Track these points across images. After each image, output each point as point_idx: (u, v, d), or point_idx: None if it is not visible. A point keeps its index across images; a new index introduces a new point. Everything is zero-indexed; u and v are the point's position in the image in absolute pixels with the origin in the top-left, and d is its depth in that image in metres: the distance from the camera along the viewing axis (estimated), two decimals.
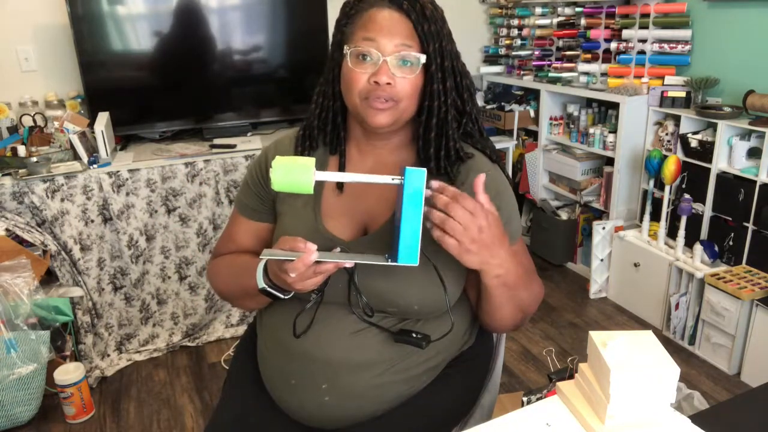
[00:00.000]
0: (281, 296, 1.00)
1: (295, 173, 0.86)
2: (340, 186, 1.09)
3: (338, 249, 1.00)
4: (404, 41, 0.98)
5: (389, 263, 0.89)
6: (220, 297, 1.23)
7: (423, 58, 0.99)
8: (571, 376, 1.43)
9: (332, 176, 0.92)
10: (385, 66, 0.97)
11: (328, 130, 1.10)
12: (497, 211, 0.94)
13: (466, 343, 1.18)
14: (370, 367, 1.04)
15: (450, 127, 1.04)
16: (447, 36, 1.03)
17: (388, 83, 0.97)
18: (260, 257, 0.92)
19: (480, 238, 0.89)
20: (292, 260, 0.88)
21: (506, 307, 1.03)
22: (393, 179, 0.88)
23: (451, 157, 1.05)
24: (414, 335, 1.03)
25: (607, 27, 2.96)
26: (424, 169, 0.86)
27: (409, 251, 0.87)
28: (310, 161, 0.87)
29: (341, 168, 1.10)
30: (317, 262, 0.89)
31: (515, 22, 3.42)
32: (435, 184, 0.91)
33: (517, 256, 1.01)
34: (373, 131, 1.05)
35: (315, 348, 1.05)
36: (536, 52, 3.32)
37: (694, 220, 2.52)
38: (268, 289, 0.98)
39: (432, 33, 0.99)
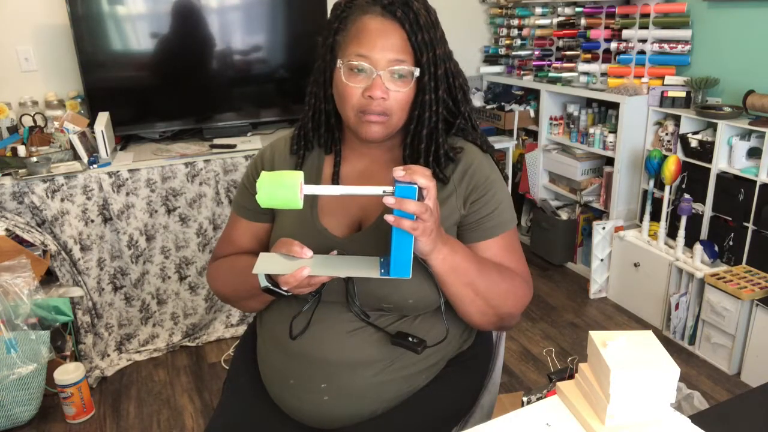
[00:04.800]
0: (284, 293, 1.00)
1: (280, 190, 0.85)
2: (336, 182, 1.10)
3: (335, 252, 1.00)
4: (398, 56, 0.98)
5: (382, 276, 0.90)
6: (221, 299, 1.23)
7: (417, 71, 1.00)
8: (571, 376, 1.43)
9: (321, 189, 0.90)
10: (379, 80, 0.98)
11: (322, 132, 1.11)
12: (486, 197, 1.04)
13: (465, 343, 1.18)
14: (368, 365, 1.05)
15: (440, 135, 1.05)
16: (440, 40, 1.02)
17: (383, 97, 0.98)
18: (253, 272, 0.92)
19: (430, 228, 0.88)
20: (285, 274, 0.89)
21: (465, 298, 1.01)
22: (384, 192, 0.87)
23: (441, 162, 1.05)
24: (410, 339, 1.03)
25: (607, 27, 2.96)
26: (415, 187, 0.84)
27: (402, 265, 0.88)
28: (297, 176, 0.86)
29: (336, 167, 1.11)
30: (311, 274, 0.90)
31: (515, 22, 3.42)
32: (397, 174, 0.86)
33: (506, 244, 1.06)
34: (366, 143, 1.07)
35: (313, 348, 1.05)
36: (536, 52, 3.32)
37: (694, 220, 2.52)
38: (271, 287, 0.99)
39: (426, 42, 0.99)
